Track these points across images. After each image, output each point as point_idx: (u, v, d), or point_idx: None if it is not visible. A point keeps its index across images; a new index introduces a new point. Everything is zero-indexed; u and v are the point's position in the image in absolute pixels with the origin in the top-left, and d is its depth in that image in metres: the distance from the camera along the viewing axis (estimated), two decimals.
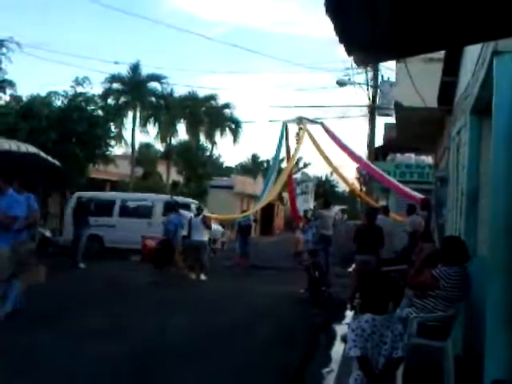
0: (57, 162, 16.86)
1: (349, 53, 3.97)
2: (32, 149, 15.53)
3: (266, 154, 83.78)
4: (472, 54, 7.37)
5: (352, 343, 4.18)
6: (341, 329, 11.49)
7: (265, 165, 67.82)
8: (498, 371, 5.18)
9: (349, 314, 12.79)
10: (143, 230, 21.56)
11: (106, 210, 23.14)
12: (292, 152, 20.21)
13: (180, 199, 23.27)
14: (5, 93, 26.92)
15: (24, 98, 23.55)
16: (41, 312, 10.72)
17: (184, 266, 17.64)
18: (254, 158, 72.54)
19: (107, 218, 22.90)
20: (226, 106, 44.65)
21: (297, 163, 51.33)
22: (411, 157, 24.19)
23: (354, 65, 26.67)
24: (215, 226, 24.49)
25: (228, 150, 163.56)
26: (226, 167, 68.01)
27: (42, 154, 15.92)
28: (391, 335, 4.18)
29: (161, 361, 8.00)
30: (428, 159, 24.22)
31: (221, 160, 66.32)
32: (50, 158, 16.36)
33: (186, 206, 22.16)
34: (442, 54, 10.43)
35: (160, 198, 24.40)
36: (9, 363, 7.42)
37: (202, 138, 44.19)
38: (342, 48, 3.71)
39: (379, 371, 4.15)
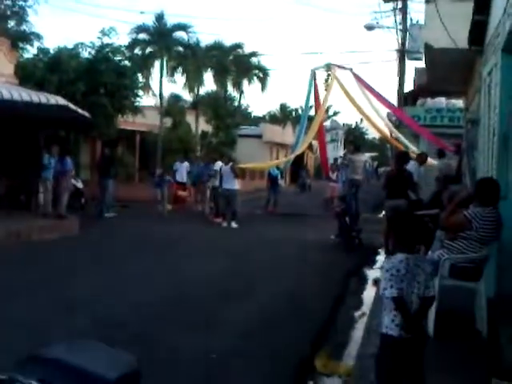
0: (86, 114, 16.90)
1: None
2: (61, 101, 15.56)
3: (295, 103, 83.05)
4: None
5: (387, 283, 4.13)
6: (372, 273, 11.60)
7: (293, 114, 67.27)
8: None
9: (380, 258, 12.87)
10: None
11: None
12: (321, 100, 19.94)
13: None
14: (32, 45, 27.06)
15: (51, 51, 23.48)
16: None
17: None
18: (283, 107, 71.93)
19: None
20: (253, 54, 44.07)
21: (326, 111, 50.84)
22: (442, 101, 23.65)
23: (382, 7, 26.17)
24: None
25: (256, 100, 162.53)
26: (255, 117, 67.72)
27: (72, 106, 15.95)
28: (423, 274, 4.16)
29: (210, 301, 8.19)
30: (459, 103, 23.77)
31: (249, 109, 66.04)
32: (79, 110, 16.39)
33: None
34: None
35: None
36: None
37: (230, 88, 43.88)
38: None
39: (414, 311, 4.12)
